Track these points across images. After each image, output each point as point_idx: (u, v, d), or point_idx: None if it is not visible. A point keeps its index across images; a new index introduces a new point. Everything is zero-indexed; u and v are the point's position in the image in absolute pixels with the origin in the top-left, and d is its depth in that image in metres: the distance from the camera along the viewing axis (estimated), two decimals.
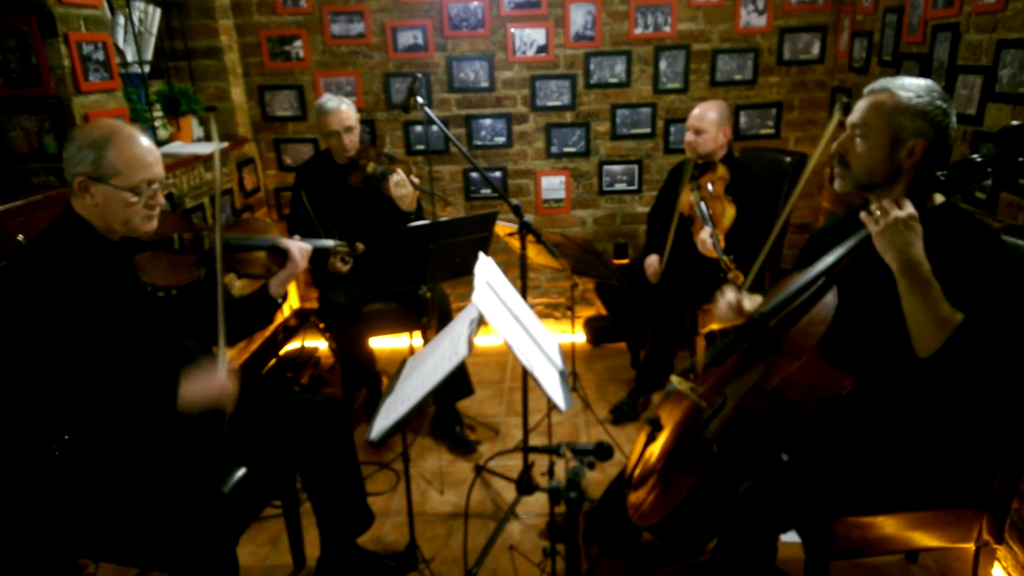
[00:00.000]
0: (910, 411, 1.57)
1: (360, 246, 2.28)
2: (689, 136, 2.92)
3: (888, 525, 1.61)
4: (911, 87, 1.49)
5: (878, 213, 1.41)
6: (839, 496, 1.59)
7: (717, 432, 1.62)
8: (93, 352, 1.58)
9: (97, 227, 1.64)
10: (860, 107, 1.56)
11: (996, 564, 2.10)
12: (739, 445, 1.65)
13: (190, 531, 1.60)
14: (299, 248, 2.03)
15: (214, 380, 1.63)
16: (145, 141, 1.64)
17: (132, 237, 1.72)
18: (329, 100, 2.85)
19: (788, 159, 3.09)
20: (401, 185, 2.78)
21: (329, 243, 2.34)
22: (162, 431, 1.72)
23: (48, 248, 1.60)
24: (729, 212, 2.78)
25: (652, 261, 3.12)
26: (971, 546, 1.69)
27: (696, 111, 2.91)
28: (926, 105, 1.47)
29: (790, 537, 1.64)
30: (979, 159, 1.43)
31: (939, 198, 1.55)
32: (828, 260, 1.58)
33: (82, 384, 1.55)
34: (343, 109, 2.85)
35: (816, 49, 3.63)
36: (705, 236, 2.65)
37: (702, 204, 2.76)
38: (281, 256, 2.04)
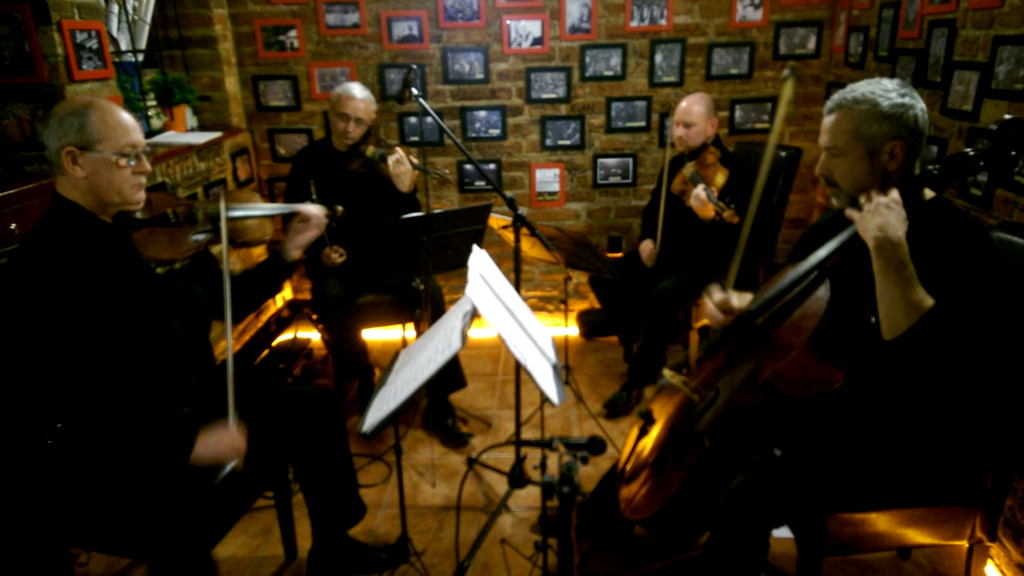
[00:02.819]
0: (903, 407, 1.57)
1: (340, 208, 2.27)
2: (679, 131, 2.94)
3: (881, 522, 1.62)
4: (866, 96, 1.49)
5: (863, 201, 1.43)
6: (832, 492, 1.59)
7: (709, 426, 1.62)
8: (102, 337, 1.58)
9: (88, 207, 1.63)
10: (825, 128, 1.57)
11: (989, 562, 2.11)
12: (731, 439, 1.65)
13: (177, 522, 1.59)
14: (316, 207, 2.04)
15: (227, 437, 1.65)
16: (122, 110, 1.66)
17: (127, 215, 1.72)
18: (357, 89, 2.88)
19: (783, 153, 3.09)
20: (401, 163, 2.78)
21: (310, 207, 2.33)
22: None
23: (46, 239, 1.59)
24: (722, 174, 2.86)
25: (646, 245, 3.16)
26: (964, 543, 1.69)
27: (683, 105, 2.94)
28: (888, 108, 1.47)
29: (782, 533, 1.65)
30: (972, 153, 1.43)
31: (929, 193, 1.55)
32: (820, 254, 1.58)
33: (88, 372, 1.55)
34: (363, 101, 2.87)
35: (812, 44, 3.62)
36: (699, 191, 2.71)
37: (695, 172, 2.86)
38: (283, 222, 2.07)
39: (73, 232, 1.61)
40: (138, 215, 1.76)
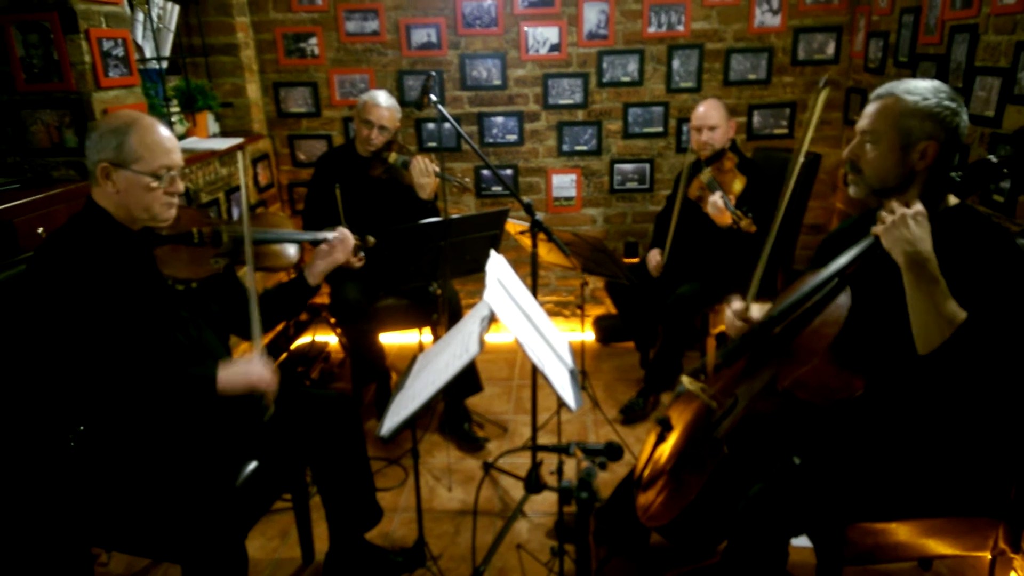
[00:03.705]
0: (924, 416, 1.56)
1: (371, 239, 2.29)
2: (704, 136, 2.92)
3: (902, 531, 1.60)
4: (917, 90, 1.48)
5: (886, 215, 1.41)
6: (852, 501, 1.57)
7: (728, 433, 1.62)
8: (113, 339, 1.60)
9: (118, 217, 1.67)
10: (867, 113, 1.55)
11: (1012, 573, 2.08)
12: (750, 447, 1.65)
13: (201, 523, 1.61)
14: (342, 239, 2.06)
15: (252, 365, 1.70)
16: (164, 129, 1.69)
17: (152, 229, 1.75)
18: (383, 98, 2.91)
19: (802, 159, 3.07)
20: (425, 172, 2.81)
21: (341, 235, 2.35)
22: (180, 421, 1.73)
23: (70, 238, 1.63)
24: (739, 181, 2.86)
25: (653, 254, 3.16)
26: (987, 555, 1.67)
27: (701, 110, 2.94)
28: (934, 107, 1.46)
29: (802, 541, 1.63)
30: (995, 160, 1.41)
31: (953, 200, 1.54)
32: (841, 261, 1.57)
33: (101, 372, 1.58)
34: (388, 110, 2.91)
35: (831, 49, 3.61)
36: (715, 198, 2.73)
37: (712, 178, 2.87)
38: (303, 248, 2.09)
39: (98, 237, 1.64)
40: (163, 231, 1.79)
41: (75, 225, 1.65)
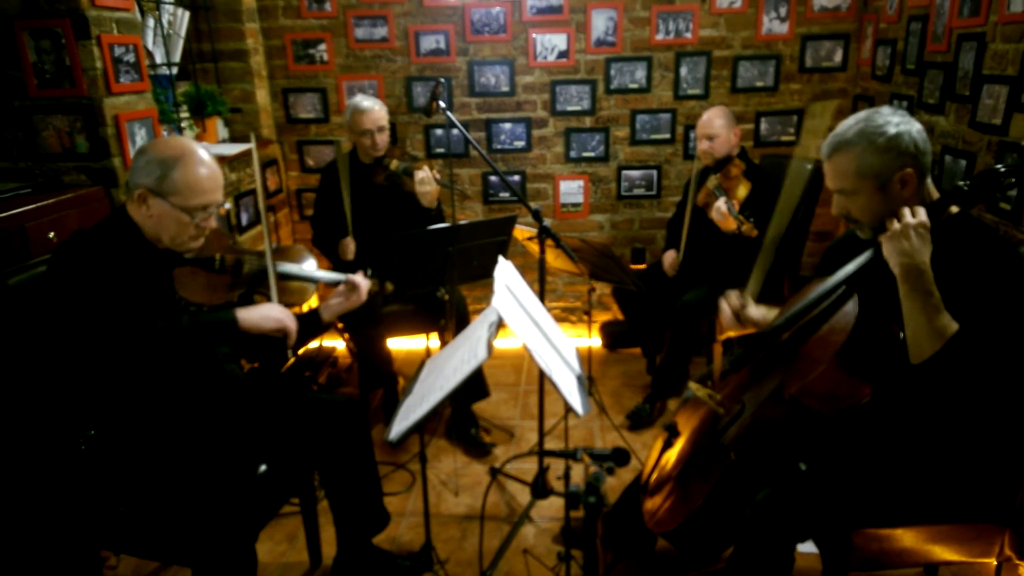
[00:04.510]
0: (931, 423, 1.56)
1: (390, 286, 2.27)
2: (704, 144, 2.96)
3: (907, 538, 1.60)
4: (859, 137, 1.47)
5: (892, 222, 1.42)
6: (858, 507, 1.58)
7: (735, 439, 1.62)
8: (119, 349, 1.61)
9: (146, 233, 1.69)
10: (828, 173, 1.55)
11: None
12: (757, 453, 1.65)
13: (210, 526, 1.62)
14: (364, 284, 2.05)
15: (270, 305, 1.75)
16: (211, 167, 1.68)
17: (176, 251, 1.77)
18: (364, 100, 2.91)
19: (809, 166, 3.08)
20: (425, 181, 2.82)
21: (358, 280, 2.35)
22: (192, 421, 1.75)
23: (96, 242, 1.65)
24: (744, 186, 2.89)
25: (669, 254, 3.17)
26: (992, 561, 1.67)
27: (704, 118, 2.97)
28: (884, 143, 1.45)
29: (807, 547, 1.64)
30: (1003, 169, 1.42)
31: (954, 208, 1.54)
32: (848, 269, 1.57)
33: (108, 376, 1.59)
34: (376, 109, 2.90)
35: (839, 56, 3.61)
36: (719, 204, 2.76)
37: (718, 185, 2.91)
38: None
39: (123, 248, 1.66)
40: (187, 253, 1.80)
41: (103, 231, 1.67)
